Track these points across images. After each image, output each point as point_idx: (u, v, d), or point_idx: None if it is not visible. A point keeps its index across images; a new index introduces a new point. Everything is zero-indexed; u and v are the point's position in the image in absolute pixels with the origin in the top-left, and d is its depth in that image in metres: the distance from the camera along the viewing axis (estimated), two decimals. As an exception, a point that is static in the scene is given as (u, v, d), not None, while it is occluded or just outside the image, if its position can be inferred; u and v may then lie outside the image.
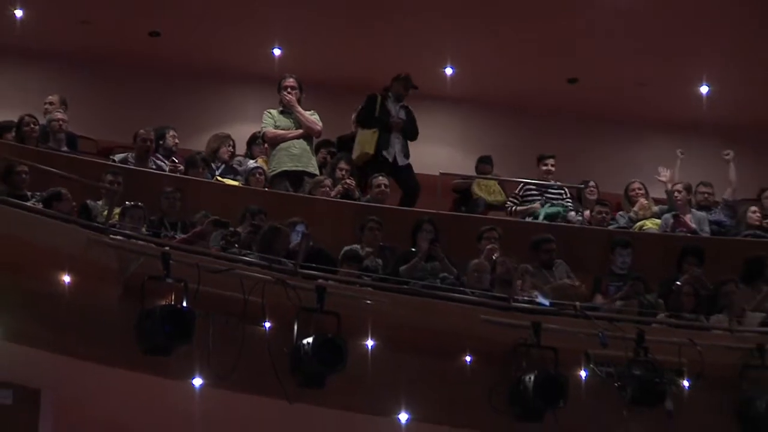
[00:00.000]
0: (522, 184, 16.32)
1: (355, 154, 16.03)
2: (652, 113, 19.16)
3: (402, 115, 16.17)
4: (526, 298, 13.41)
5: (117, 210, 13.33)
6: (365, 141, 15.91)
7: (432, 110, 17.96)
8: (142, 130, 15.39)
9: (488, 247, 14.17)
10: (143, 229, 13.20)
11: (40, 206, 12.67)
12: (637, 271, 14.40)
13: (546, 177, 16.34)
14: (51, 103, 15.94)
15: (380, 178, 15.55)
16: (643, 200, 16.05)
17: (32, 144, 14.78)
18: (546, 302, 13.34)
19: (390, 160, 15.92)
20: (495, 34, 17.91)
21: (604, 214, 15.84)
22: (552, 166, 16.36)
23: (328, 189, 15.22)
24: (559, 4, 17.32)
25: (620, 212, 16.21)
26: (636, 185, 16.24)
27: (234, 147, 15.87)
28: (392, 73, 16.45)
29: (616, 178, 17.26)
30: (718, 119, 18.64)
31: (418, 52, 17.86)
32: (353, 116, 16.29)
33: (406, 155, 16.08)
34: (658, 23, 17.36)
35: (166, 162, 15.28)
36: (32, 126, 15.04)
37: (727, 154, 16.47)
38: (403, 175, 16.04)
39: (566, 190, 16.40)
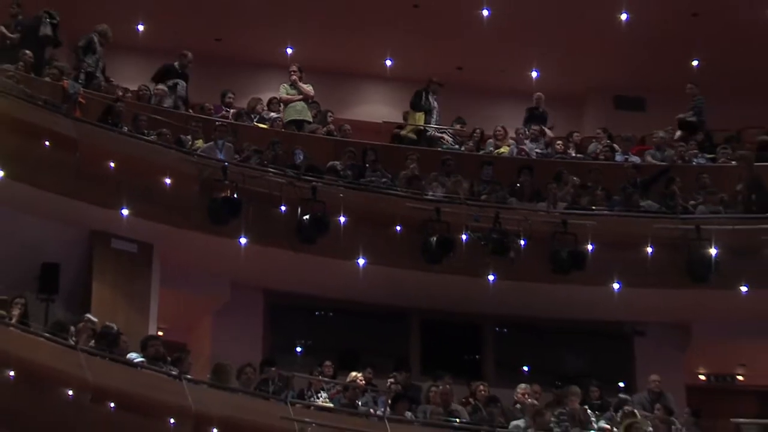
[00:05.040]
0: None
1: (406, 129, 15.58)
2: (509, 88, 18.80)
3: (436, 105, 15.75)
4: (431, 193, 13.55)
5: (197, 141, 13.47)
6: (417, 121, 15.48)
7: (378, 87, 17.97)
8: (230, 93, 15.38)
9: (411, 166, 14.14)
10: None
11: (153, 138, 12.78)
12: (495, 178, 14.25)
13: (459, 131, 15.89)
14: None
15: (347, 126, 15.33)
16: (502, 141, 15.87)
17: (146, 102, 14.63)
18: (440, 194, 13.50)
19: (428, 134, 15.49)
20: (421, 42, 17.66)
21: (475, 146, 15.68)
22: (461, 127, 16.00)
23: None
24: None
25: (489, 140, 16.04)
26: (499, 128, 16.03)
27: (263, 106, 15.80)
28: (355, 63, 16.52)
29: (489, 124, 16.91)
30: (544, 91, 18.25)
31: (369, 50, 17.71)
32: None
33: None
34: (509, 34, 17.12)
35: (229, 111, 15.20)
36: (144, 92, 14.84)
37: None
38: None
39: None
